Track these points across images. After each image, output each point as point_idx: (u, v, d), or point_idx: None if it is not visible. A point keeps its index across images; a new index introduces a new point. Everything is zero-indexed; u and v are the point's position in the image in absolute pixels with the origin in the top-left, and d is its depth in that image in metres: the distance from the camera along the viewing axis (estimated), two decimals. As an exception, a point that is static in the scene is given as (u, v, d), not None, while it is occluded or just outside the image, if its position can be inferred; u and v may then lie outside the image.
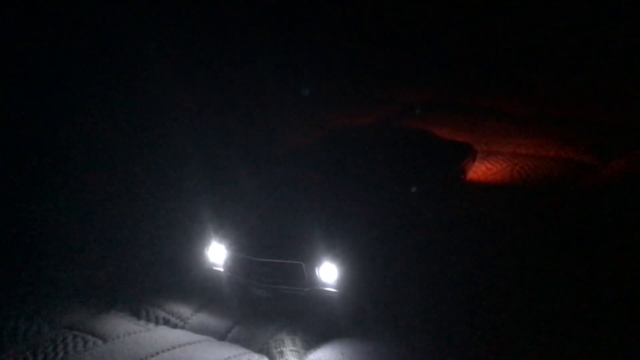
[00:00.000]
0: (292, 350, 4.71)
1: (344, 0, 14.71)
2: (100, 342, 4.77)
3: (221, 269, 5.37)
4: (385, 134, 7.40)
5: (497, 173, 7.68)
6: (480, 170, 7.73)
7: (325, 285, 4.96)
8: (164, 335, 4.92)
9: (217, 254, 5.38)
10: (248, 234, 5.43)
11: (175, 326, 5.14)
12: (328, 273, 4.94)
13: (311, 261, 4.97)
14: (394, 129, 8.22)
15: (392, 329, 4.81)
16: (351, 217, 5.44)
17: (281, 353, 4.69)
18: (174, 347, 4.69)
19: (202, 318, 5.21)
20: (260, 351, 4.76)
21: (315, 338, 4.83)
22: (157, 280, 5.74)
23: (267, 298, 5.18)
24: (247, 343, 4.86)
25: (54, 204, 7.28)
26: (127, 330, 4.95)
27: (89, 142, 9.19)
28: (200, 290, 5.51)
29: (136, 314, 5.27)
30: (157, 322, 5.17)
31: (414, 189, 6.04)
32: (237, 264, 5.27)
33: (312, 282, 4.98)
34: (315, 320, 5.01)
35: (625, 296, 4.99)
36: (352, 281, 5.00)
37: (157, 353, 4.61)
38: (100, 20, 12.44)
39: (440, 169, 6.67)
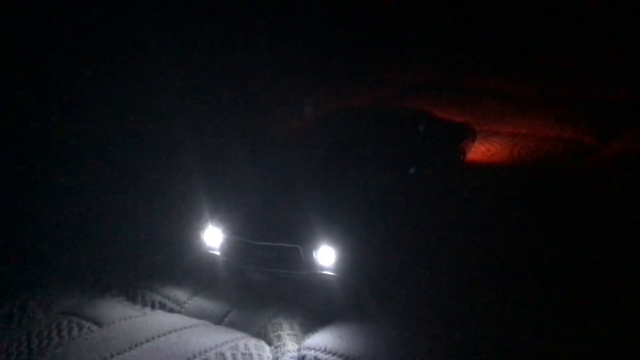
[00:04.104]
0: (289, 334, 4.67)
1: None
2: (95, 327, 4.72)
3: (218, 253, 5.31)
4: (384, 115, 7.32)
5: (496, 154, 7.62)
6: (479, 150, 7.66)
7: (323, 268, 4.91)
8: (160, 319, 4.87)
9: (213, 237, 5.32)
10: (245, 217, 5.36)
11: (171, 310, 5.09)
12: (326, 256, 4.88)
13: (309, 244, 4.91)
14: (393, 110, 8.13)
15: (390, 312, 4.77)
16: (349, 199, 5.37)
17: (279, 337, 4.65)
18: (170, 332, 4.64)
19: (198, 302, 5.15)
20: (257, 335, 4.72)
21: (313, 322, 4.78)
22: (153, 264, 5.68)
23: (264, 282, 5.14)
24: (244, 327, 4.81)
25: (49, 189, 7.20)
26: (122, 314, 4.89)
27: (85, 127, 9.10)
28: (197, 274, 5.45)
29: (132, 298, 5.21)
30: (152, 307, 5.12)
31: (412, 170, 5.97)
32: (234, 247, 5.21)
33: (309, 265, 4.92)
34: (313, 303, 4.96)
35: (627, 280, 4.94)
36: (350, 264, 4.95)
37: (153, 338, 4.56)
38: (98, 13, 12.35)
39: (439, 150, 6.60)
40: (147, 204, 6.80)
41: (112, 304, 5.10)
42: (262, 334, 4.72)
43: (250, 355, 4.42)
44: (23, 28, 11.52)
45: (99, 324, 4.75)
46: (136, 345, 4.47)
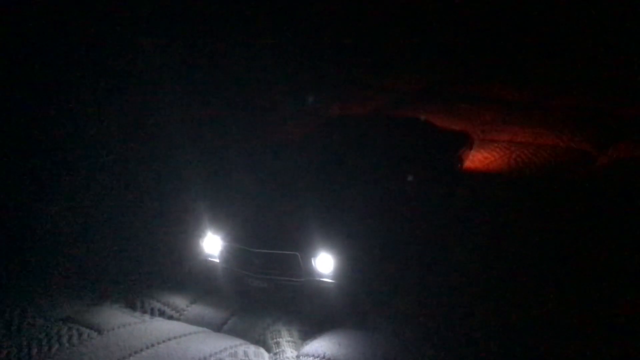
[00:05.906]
0: (288, 341, 4.69)
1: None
2: (95, 334, 4.73)
3: (217, 260, 5.33)
4: (381, 123, 7.35)
5: (494, 162, 7.65)
6: (477, 158, 7.69)
7: (321, 275, 4.93)
8: (159, 326, 4.89)
9: (212, 244, 5.34)
10: (244, 224, 5.39)
11: (170, 318, 5.11)
12: (324, 263, 4.91)
13: (307, 252, 4.93)
14: (390, 118, 8.17)
15: (388, 319, 4.79)
16: (347, 207, 5.40)
17: (278, 344, 4.67)
18: (169, 339, 4.66)
19: (197, 309, 5.18)
20: (256, 342, 4.74)
21: (311, 329, 4.80)
22: (153, 271, 5.69)
23: (263, 289, 5.15)
24: (244, 334, 4.84)
25: (48, 196, 7.21)
26: (122, 322, 4.91)
27: (83, 135, 9.12)
28: (196, 281, 5.48)
29: (131, 305, 5.23)
30: (152, 314, 5.14)
31: (410, 179, 6.00)
32: (233, 255, 5.24)
33: (308, 272, 4.95)
34: (312, 311, 4.98)
35: (625, 285, 4.97)
36: (348, 272, 4.97)
37: (153, 345, 4.58)
38: (97, 15, 12.39)
39: (436, 158, 6.62)
40: (146, 211, 6.81)
41: (112, 311, 5.11)
42: (261, 341, 4.74)
43: (250, 362, 4.45)
44: (24, 30, 11.55)
45: (98, 331, 4.77)
46: (135, 352, 4.49)
